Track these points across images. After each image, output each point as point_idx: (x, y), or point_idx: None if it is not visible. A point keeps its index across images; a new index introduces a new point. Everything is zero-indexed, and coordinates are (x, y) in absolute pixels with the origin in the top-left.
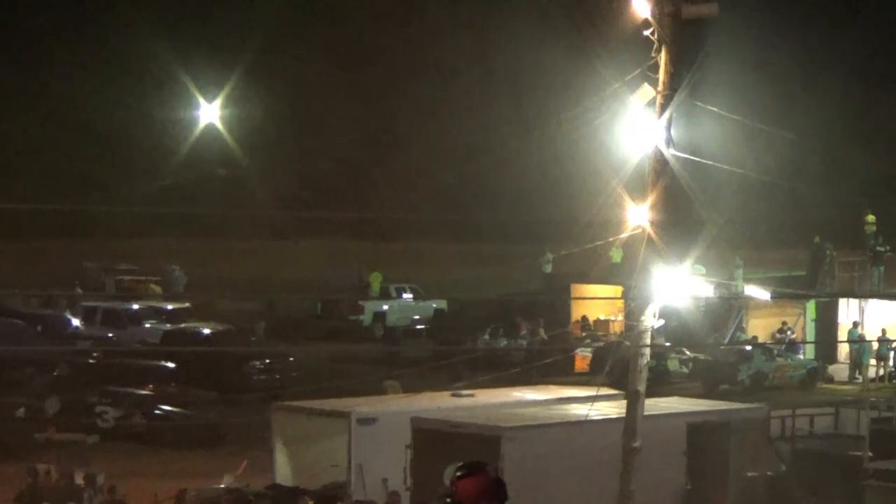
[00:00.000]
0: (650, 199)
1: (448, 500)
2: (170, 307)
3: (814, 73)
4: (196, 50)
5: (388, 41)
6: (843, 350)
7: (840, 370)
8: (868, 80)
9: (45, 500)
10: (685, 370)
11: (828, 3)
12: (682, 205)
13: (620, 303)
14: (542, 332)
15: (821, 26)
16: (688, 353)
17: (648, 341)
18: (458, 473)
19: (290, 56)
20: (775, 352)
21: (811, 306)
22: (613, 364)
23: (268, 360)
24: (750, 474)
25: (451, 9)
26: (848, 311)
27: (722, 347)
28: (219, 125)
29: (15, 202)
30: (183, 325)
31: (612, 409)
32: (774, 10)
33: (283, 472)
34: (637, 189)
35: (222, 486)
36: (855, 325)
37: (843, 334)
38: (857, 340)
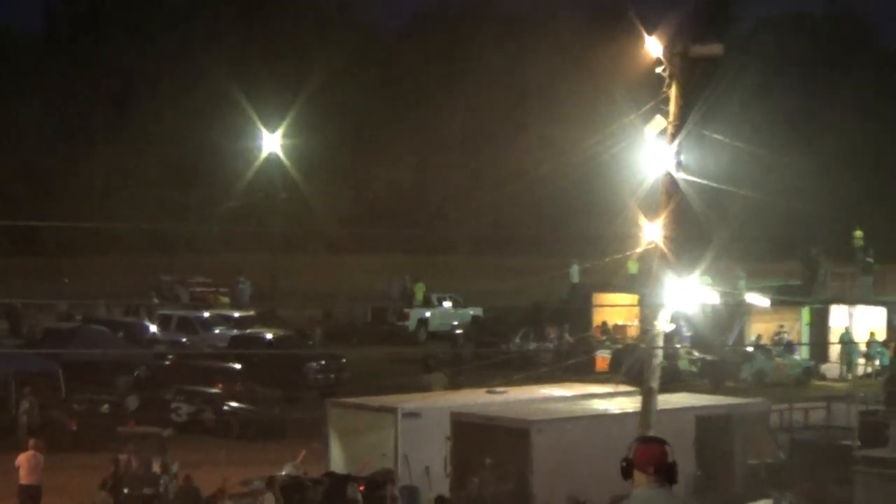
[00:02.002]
0: (662, 218)
1: (625, 460)
2: (237, 315)
3: (809, 105)
4: (260, 89)
5: (433, 79)
6: (835, 351)
7: (832, 369)
8: (858, 112)
9: (125, 486)
10: (694, 369)
11: (822, 42)
12: (691, 222)
13: (636, 309)
14: (567, 335)
15: (816, 63)
16: (696, 353)
17: (661, 344)
18: (639, 438)
19: (344, 92)
20: (774, 353)
21: (806, 312)
22: (630, 364)
23: (324, 362)
24: (752, 462)
25: (490, 51)
26: (839, 316)
27: (727, 349)
28: (280, 154)
29: (99, 222)
30: (248, 331)
31: (628, 403)
32: (774, 48)
33: (337, 461)
34: (651, 208)
35: (283, 472)
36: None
37: (834, 337)
38: (847, 342)
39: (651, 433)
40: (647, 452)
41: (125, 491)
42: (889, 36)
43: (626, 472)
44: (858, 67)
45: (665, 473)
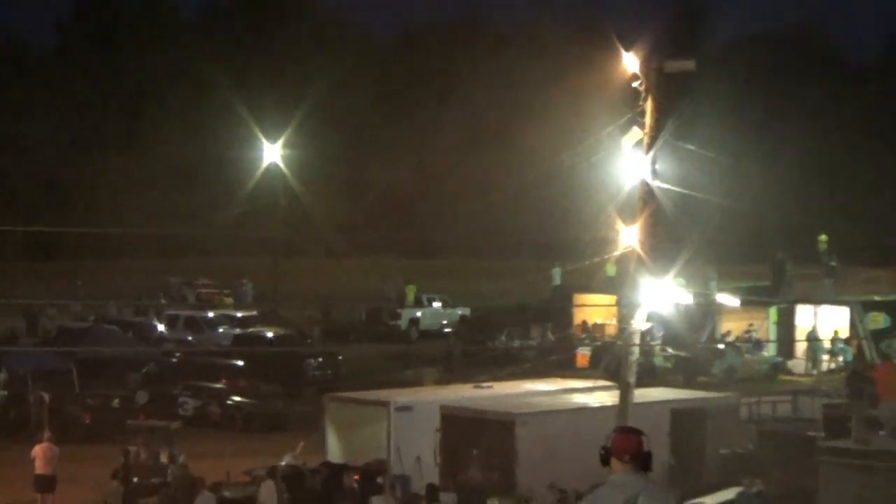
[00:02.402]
0: (639, 223)
1: (603, 449)
2: (240, 315)
3: (776, 117)
4: (262, 102)
5: (424, 91)
6: (801, 348)
7: (798, 365)
8: (821, 123)
9: (135, 476)
10: (669, 365)
11: (787, 59)
12: (666, 227)
13: (614, 309)
14: (549, 333)
15: (782, 77)
16: (670, 350)
17: (638, 341)
18: (616, 429)
19: (341, 104)
20: (743, 349)
21: (773, 311)
22: (608, 360)
23: (321, 359)
24: (723, 451)
25: (479, 65)
26: (804, 315)
27: (699, 346)
28: (280, 163)
29: (111, 228)
30: (251, 330)
31: (607, 397)
32: (743, 65)
33: (334, 452)
34: (628, 214)
35: (283, 463)
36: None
37: (800, 335)
38: (812, 339)
39: (629, 425)
40: (624, 442)
41: (135, 480)
42: (849, 51)
43: (605, 460)
44: (821, 81)
45: (640, 461)
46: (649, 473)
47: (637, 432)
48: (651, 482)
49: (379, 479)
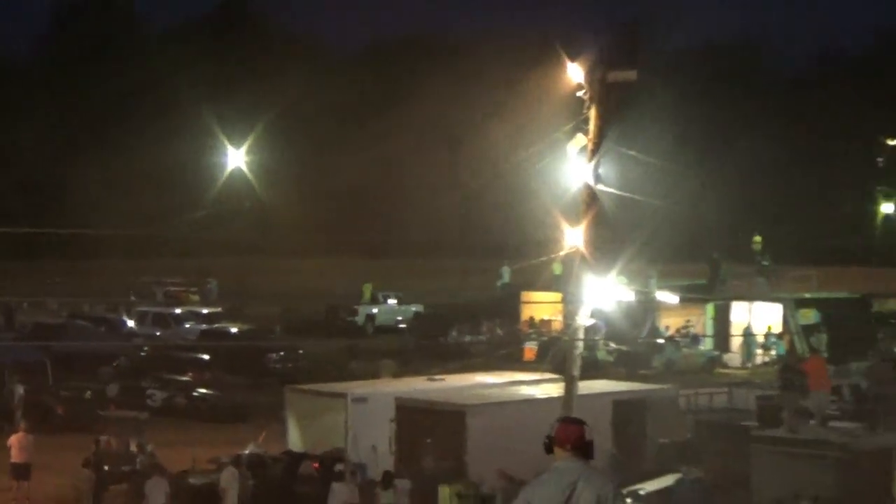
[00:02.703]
0: (583, 224)
1: (547, 437)
2: (205, 311)
3: (712, 124)
4: (228, 110)
5: (381, 101)
6: (736, 342)
7: (733, 358)
8: (756, 130)
9: (106, 464)
10: (611, 359)
11: (725, 69)
12: (608, 228)
13: (560, 306)
14: (498, 329)
15: (719, 86)
16: (613, 345)
17: (582, 336)
18: (560, 419)
19: (302, 113)
20: (682, 344)
21: (710, 308)
22: (554, 354)
23: (282, 353)
24: (662, 441)
25: (434, 76)
26: (739, 312)
27: (640, 341)
28: (244, 168)
29: (86, 229)
30: (216, 326)
31: (553, 389)
32: (683, 74)
33: (294, 441)
34: (573, 216)
35: (246, 451)
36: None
37: (735, 330)
38: (746, 335)
39: (573, 415)
40: (566, 431)
41: (106, 468)
42: (783, 62)
43: (548, 448)
44: (756, 91)
45: (582, 450)
46: (591, 461)
47: (579, 422)
48: (591, 468)
49: (337, 467)
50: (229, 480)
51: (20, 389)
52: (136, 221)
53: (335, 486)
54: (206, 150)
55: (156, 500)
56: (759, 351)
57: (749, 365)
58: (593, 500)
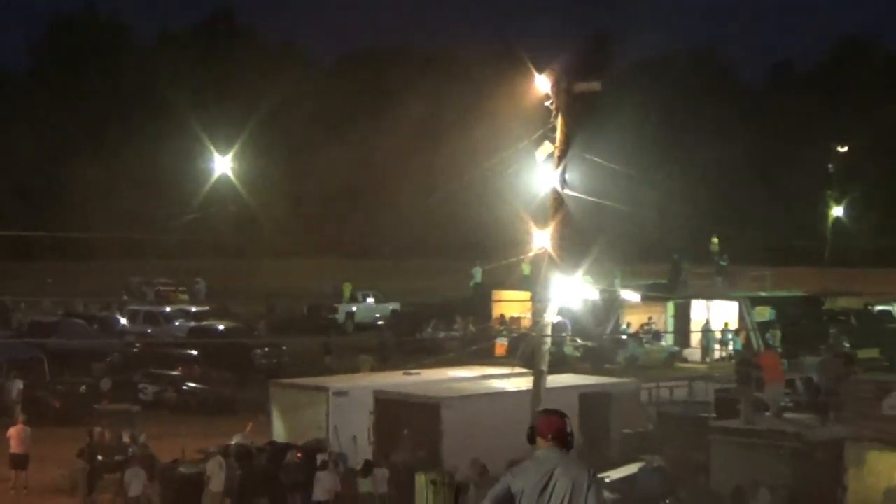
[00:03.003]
0: (551, 227)
1: (530, 428)
2: (194, 310)
3: (672, 132)
4: (214, 119)
5: (360, 110)
6: (695, 338)
7: (693, 353)
8: (714, 137)
9: (100, 455)
10: (578, 354)
11: (684, 79)
12: (574, 230)
13: (529, 304)
14: (471, 326)
15: (679, 96)
16: (579, 341)
17: (550, 333)
18: (542, 410)
19: (284, 121)
20: (644, 340)
21: (671, 306)
22: (524, 350)
23: (267, 349)
24: (626, 431)
25: (409, 85)
26: (698, 309)
27: (604, 337)
28: (230, 174)
29: (79, 232)
30: (204, 323)
31: (523, 383)
32: (645, 85)
33: (279, 432)
34: (541, 219)
35: (233, 442)
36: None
37: (695, 327)
38: (705, 331)
39: (542, 407)
40: (547, 422)
41: (99, 458)
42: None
43: (531, 438)
44: (713, 99)
45: (562, 440)
46: (570, 451)
47: (561, 414)
48: (568, 458)
49: (321, 457)
50: (214, 469)
51: (19, 384)
52: (127, 224)
53: (320, 474)
54: (194, 157)
55: (135, 488)
56: (717, 346)
57: (708, 360)
58: (568, 487)
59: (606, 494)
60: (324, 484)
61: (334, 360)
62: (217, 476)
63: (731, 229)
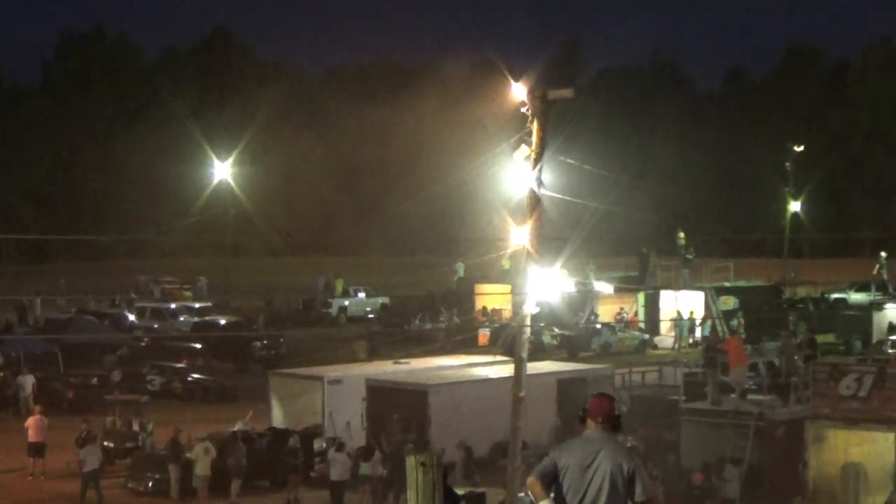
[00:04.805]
0: (528, 224)
1: (582, 410)
2: (197, 305)
3: (639, 135)
4: (214, 129)
5: (349, 118)
6: (665, 326)
7: (662, 340)
8: (678, 139)
9: (111, 441)
10: (555, 342)
11: (648, 85)
12: (551, 227)
13: (509, 296)
14: (455, 317)
15: (644, 101)
16: (556, 330)
17: (529, 323)
18: (595, 394)
19: (279, 130)
20: (616, 328)
21: (641, 296)
22: (505, 339)
23: (266, 341)
24: None
25: (395, 95)
26: (667, 299)
27: (580, 326)
28: (230, 179)
29: (89, 235)
30: (207, 318)
31: (504, 370)
32: (613, 90)
33: (278, 419)
34: (519, 217)
35: (235, 428)
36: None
37: (663, 316)
38: (677, 320)
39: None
40: (598, 405)
41: (111, 445)
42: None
43: (582, 419)
44: (674, 104)
45: (611, 422)
46: (617, 433)
47: (610, 398)
48: (615, 442)
49: (338, 440)
50: (199, 454)
51: (31, 379)
52: (134, 227)
53: (336, 455)
54: (195, 163)
55: (91, 464)
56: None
57: (676, 346)
58: (611, 468)
59: None
60: (339, 464)
61: (329, 354)
62: (201, 460)
63: (696, 224)
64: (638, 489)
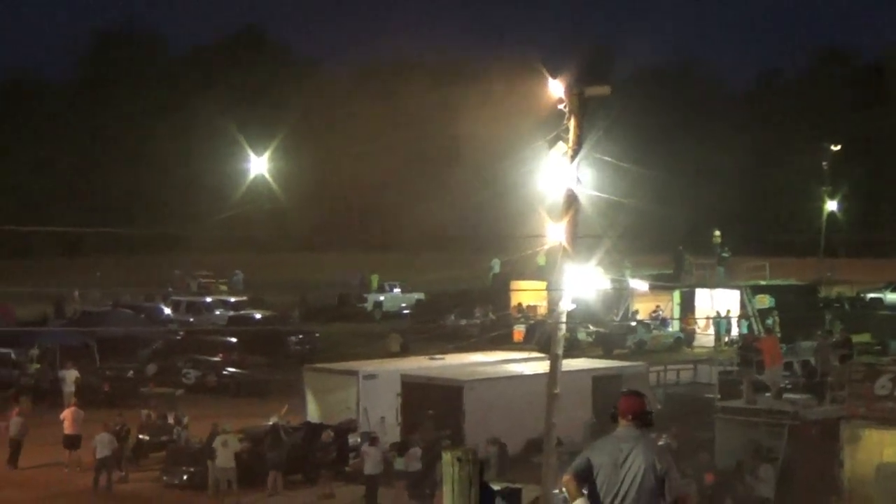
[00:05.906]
0: (564, 221)
1: (613, 407)
2: (233, 300)
3: (675, 136)
4: (248, 124)
5: (382, 116)
6: (701, 324)
7: (697, 338)
8: (713, 139)
9: (146, 435)
10: (590, 339)
11: (680, 88)
12: (587, 224)
13: (545, 293)
14: (490, 314)
15: (679, 101)
16: (591, 327)
17: (564, 319)
18: (624, 392)
19: (312, 126)
20: (651, 326)
21: (677, 294)
22: (540, 336)
23: (301, 336)
24: None
25: (429, 93)
26: (702, 298)
27: (615, 323)
28: (265, 174)
29: (126, 229)
30: (242, 312)
31: (539, 367)
32: (649, 91)
33: (312, 413)
34: (556, 214)
35: (270, 423)
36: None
37: (698, 314)
38: (708, 318)
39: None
40: (627, 403)
41: (147, 438)
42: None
43: (614, 418)
44: (709, 105)
45: (640, 419)
46: (649, 429)
47: (639, 395)
48: (647, 439)
49: (373, 434)
50: (218, 446)
51: (74, 373)
52: (169, 221)
53: (370, 449)
54: (229, 158)
55: (101, 452)
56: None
57: (714, 345)
58: (643, 466)
59: None
60: (373, 458)
61: (364, 349)
62: (221, 453)
63: (732, 222)
64: (669, 488)
